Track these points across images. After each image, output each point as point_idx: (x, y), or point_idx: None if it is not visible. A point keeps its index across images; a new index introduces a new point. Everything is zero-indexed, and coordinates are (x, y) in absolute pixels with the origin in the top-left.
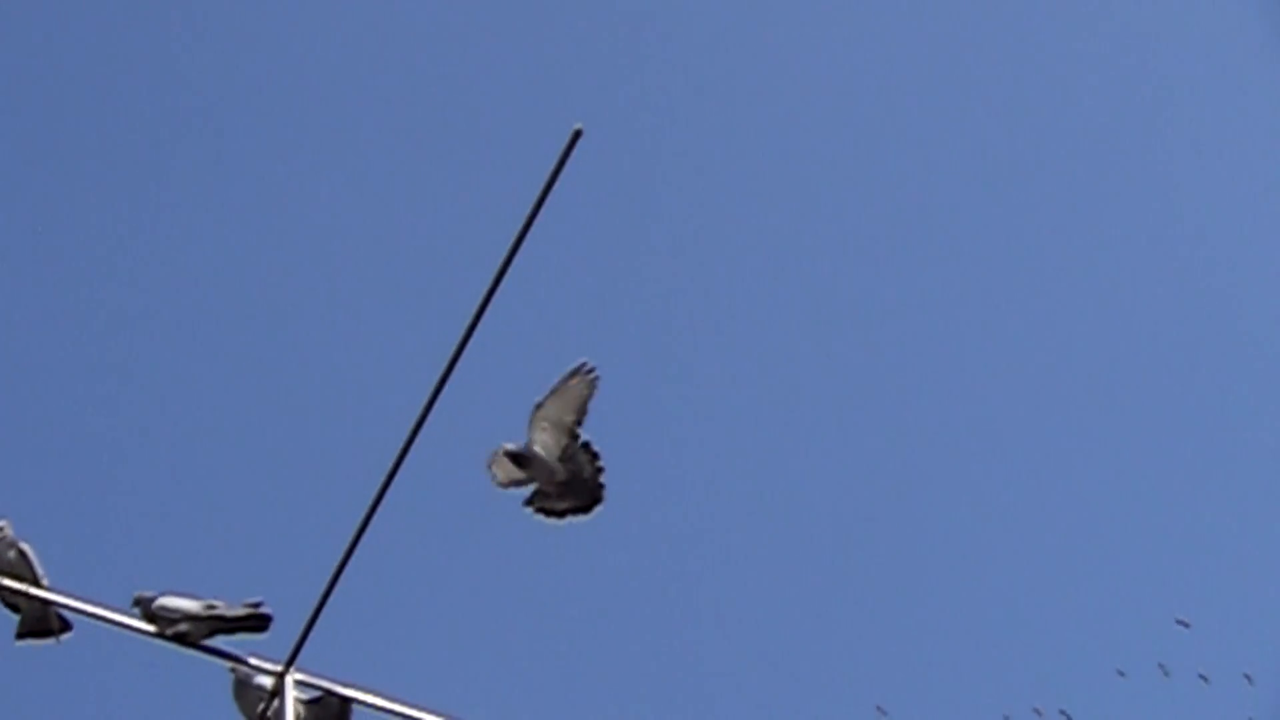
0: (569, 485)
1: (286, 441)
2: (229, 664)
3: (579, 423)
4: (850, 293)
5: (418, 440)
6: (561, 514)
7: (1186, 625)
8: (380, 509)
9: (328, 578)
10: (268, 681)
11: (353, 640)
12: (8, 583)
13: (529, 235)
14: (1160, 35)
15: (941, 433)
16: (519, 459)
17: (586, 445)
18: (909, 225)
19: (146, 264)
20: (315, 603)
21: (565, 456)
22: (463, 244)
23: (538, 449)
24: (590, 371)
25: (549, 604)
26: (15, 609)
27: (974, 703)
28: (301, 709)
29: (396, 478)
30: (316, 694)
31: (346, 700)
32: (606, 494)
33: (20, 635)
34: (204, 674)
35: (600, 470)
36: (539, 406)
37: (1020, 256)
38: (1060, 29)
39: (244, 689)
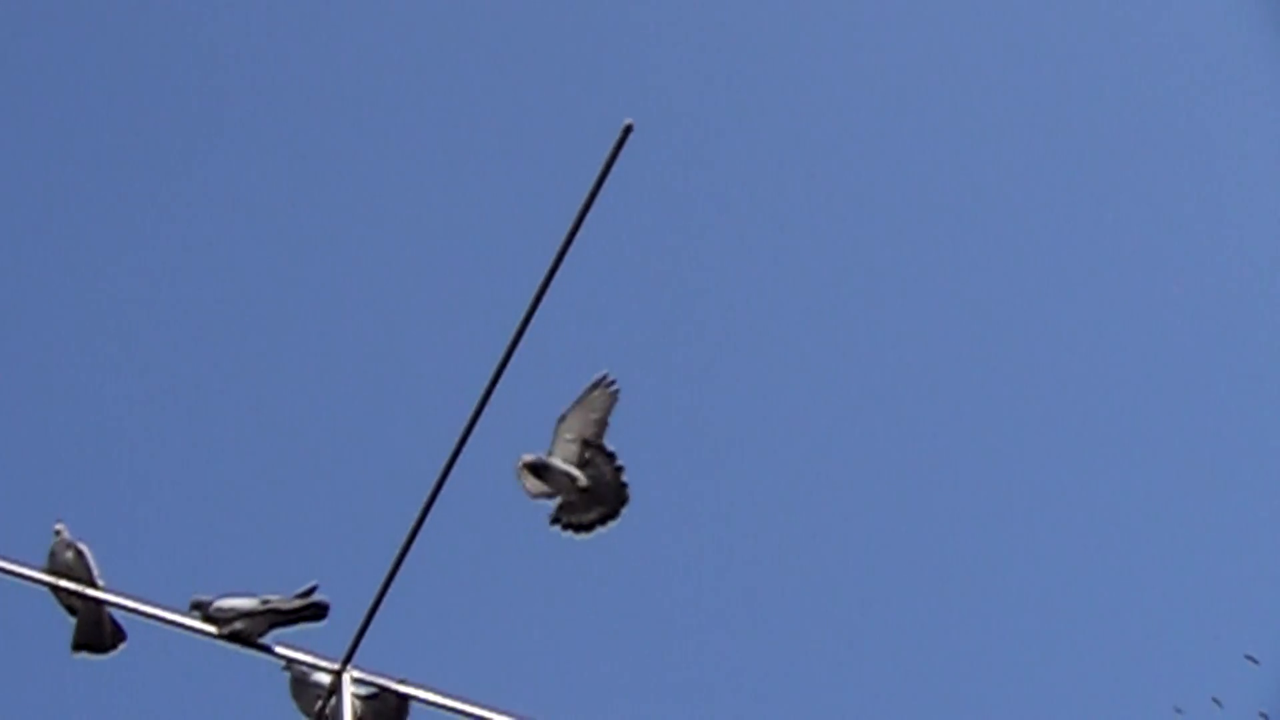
0: (592, 492)
1: (342, 439)
2: (286, 663)
3: (600, 435)
4: (916, 298)
5: (473, 435)
6: (590, 526)
7: (1256, 662)
8: (436, 504)
9: (384, 574)
10: (325, 679)
11: (410, 637)
12: (65, 584)
13: (581, 230)
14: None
15: (992, 444)
16: (538, 469)
17: (601, 448)
18: (964, 235)
19: (202, 264)
20: (372, 600)
21: (583, 463)
22: (514, 239)
23: (556, 460)
24: (611, 384)
25: (609, 598)
26: (72, 611)
27: None
28: (359, 706)
29: (452, 473)
30: (374, 691)
31: (404, 697)
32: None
33: (76, 646)
34: (262, 674)
35: (620, 470)
36: (562, 419)
37: (1074, 261)
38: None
39: (302, 687)
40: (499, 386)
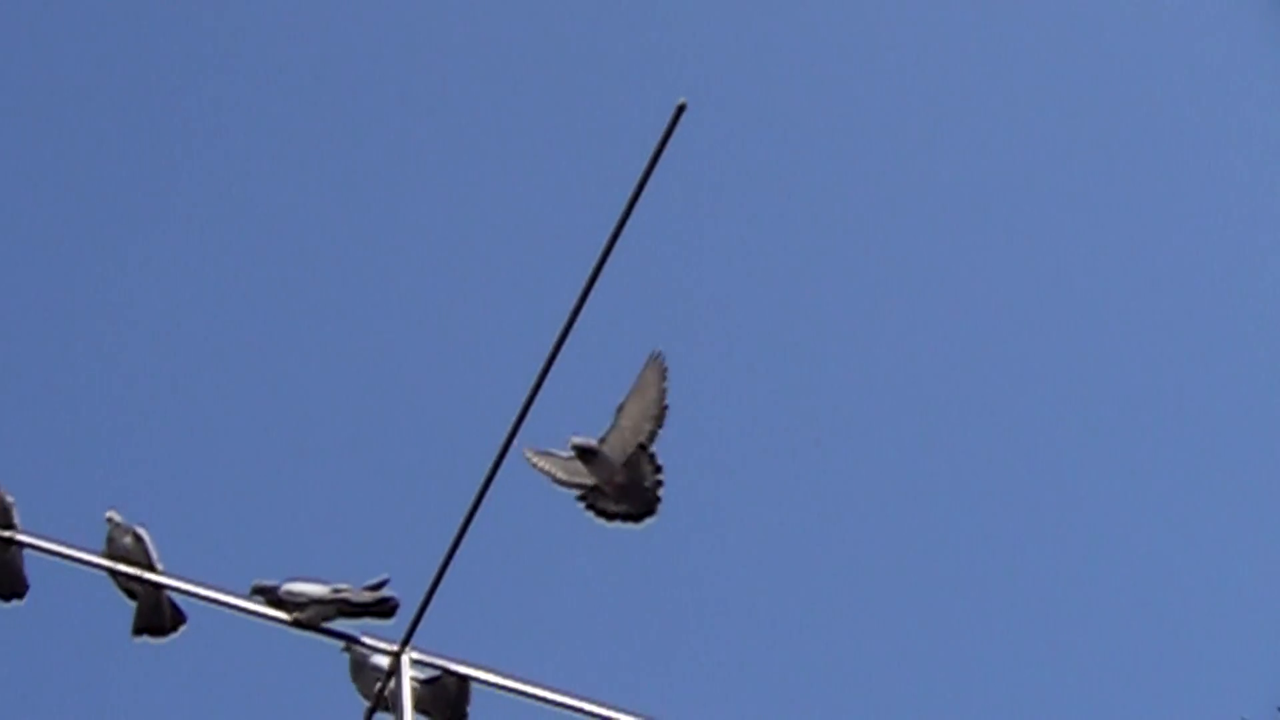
0: (626, 490)
1: (399, 416)
2: (344, 644)
3: (657, 428)
4: (968, 285)
5: (530, 414)
6: (611, 516)
7: None
8: (494, 483)
9: (443, 555)
10: (384, 661)
11: (469, 620)
12: (123, 568)
13: (634, 212)
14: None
15: (1055, 447)
16: (585, 453)
17: (652, 456)
18: (1030, 222)
19: (259, 255)
20: (430, 580)
21: (630, 461)
22: (568, 219)
23: (605, 449)
24: (659, 359)
25: (667, 578)
26: (132, 595)
27: None
28: (419, 690)
29: (510, 451)
30: (434, 674)
31: (464, 679)
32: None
33: (137, 630)
34: (321, 656)
35: (660, 484)
36: (620, 408)
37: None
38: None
39: (361, 670)
40: (555, 367)
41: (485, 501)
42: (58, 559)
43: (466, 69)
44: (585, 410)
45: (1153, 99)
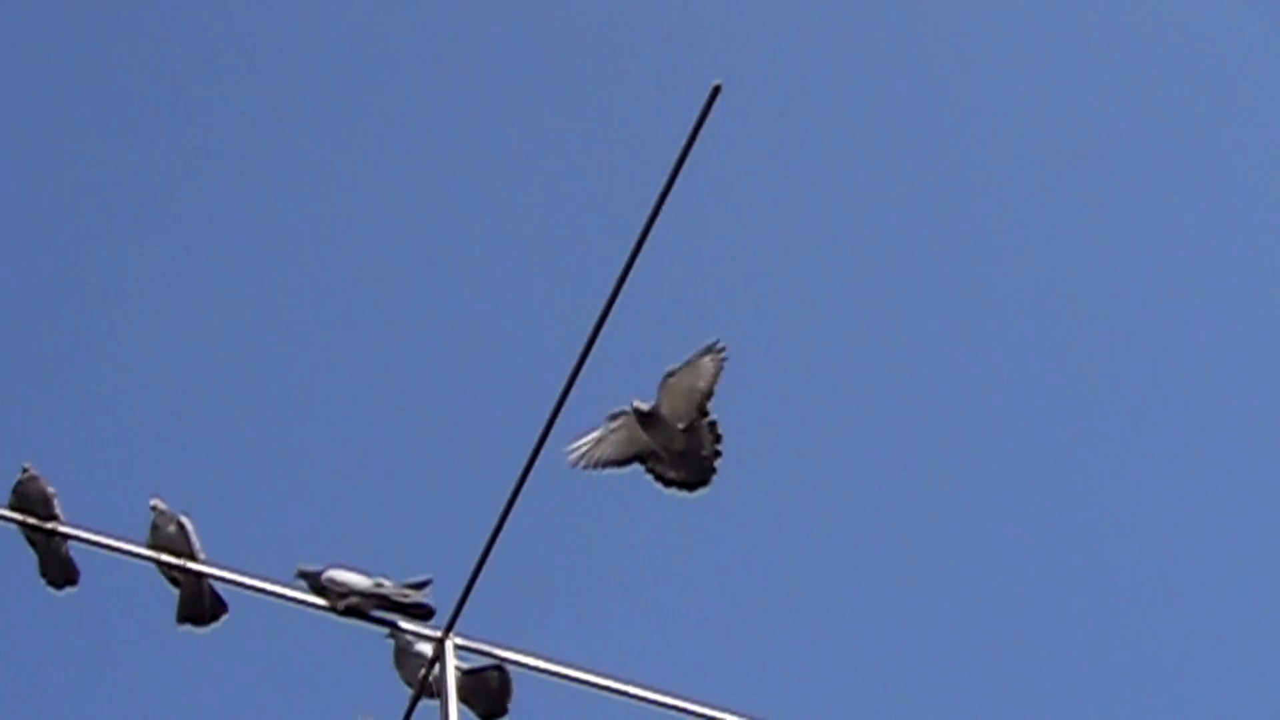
0: (684, 456)
1: (441, 399)
2: (388, 631)
3: (708, 398)
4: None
5: (571, 395)
6: (669, 483)
7: None
8: (536, 466)
9: (485, 540)
10: (428, 648)
11: (513, 606)
12: (165, 558)
13: (670, 197)
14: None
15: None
16: (647, 418)
17: (713, 425)
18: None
19: (295, 246)
20: (474, 565)
21: (690, 428)
22: (602, 204)
23: (665, 413)
24: (721, 350)
25: (711, 562)
26: (175, 583)
27: None
28: (461, 678)
29: (551, 434)
30: (476, 667)
31: (506, 674)
32: (733, 473)
33: (181, 618)
34: (364, 642)
35: (719, 454)
36: (670, 375)
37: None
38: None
39: (405, 656)
40: (593, 353)
41: (527, 486)
42: (100, 549)
43: (505, 52)
44: (626, 394)
45: (1195, 98)
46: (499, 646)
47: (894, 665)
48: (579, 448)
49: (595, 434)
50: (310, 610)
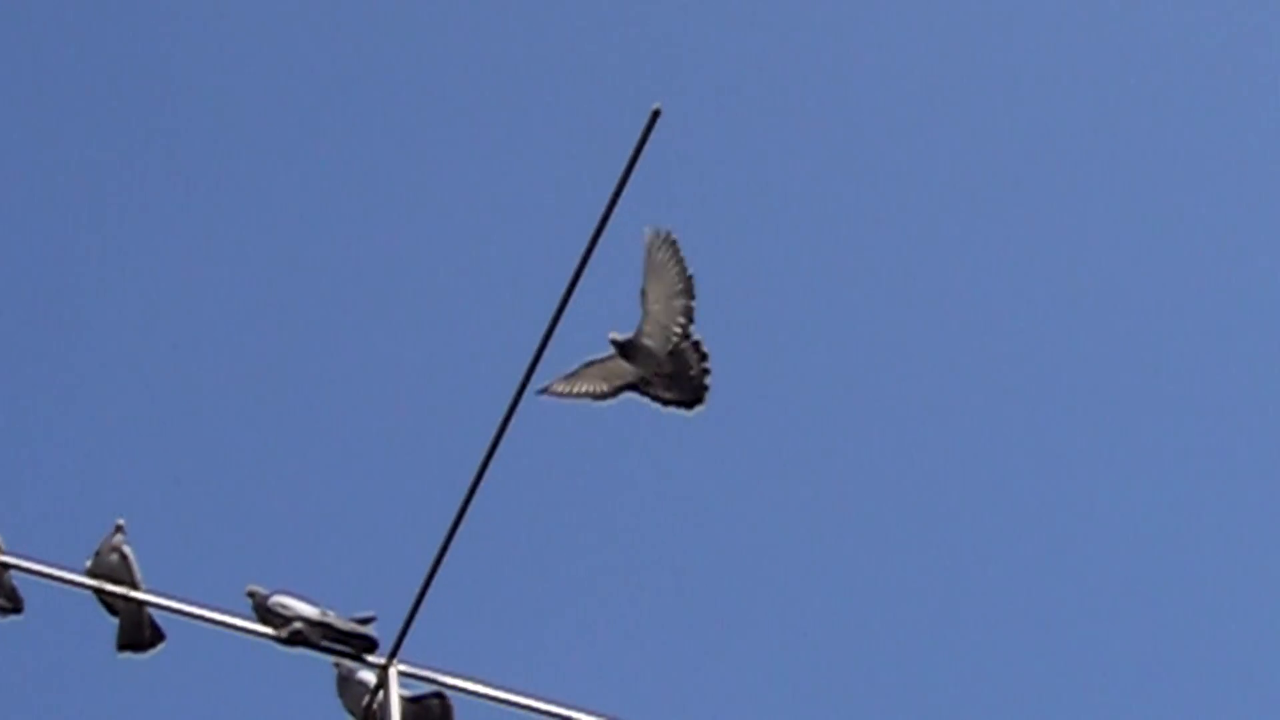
0: (673, 379)
1: (382, 425)
2: (332, 659)
3: (690, 303)
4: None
5: (510, 426)
6: (666, 403)
7: None
8: (478, 493)
9: (429, 566)
10: (371, 676)
11: (457, 633)
12: (108, 587)
13: (610, 221)
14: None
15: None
16: (626, 347)
17: (697, 344)
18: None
19: (233, 259)
20: (416, 592)
21: (674, 350)
22: (543, 225)
23: (646, 340)
24: (666, 236)
25: (657, 582)
26: (114, 612)
27: None
28: (405, 705)
29: (495, 456)
30: (419, 694)
31: (448, 702)
32: (710, 398)
33: (121, 646)
34: (305, 669)
35: (706, 371)
36: (643, 293)
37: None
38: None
39: (347, 684)
40: (528, 390)
41: (470, 512)
42: (41, 578)
43: (452, 73)
44: (572, 413)
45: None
46: (443, 673)
47: (837, 691)
48: (560, 386)
49: (576, 374)
50: (254, 638)
